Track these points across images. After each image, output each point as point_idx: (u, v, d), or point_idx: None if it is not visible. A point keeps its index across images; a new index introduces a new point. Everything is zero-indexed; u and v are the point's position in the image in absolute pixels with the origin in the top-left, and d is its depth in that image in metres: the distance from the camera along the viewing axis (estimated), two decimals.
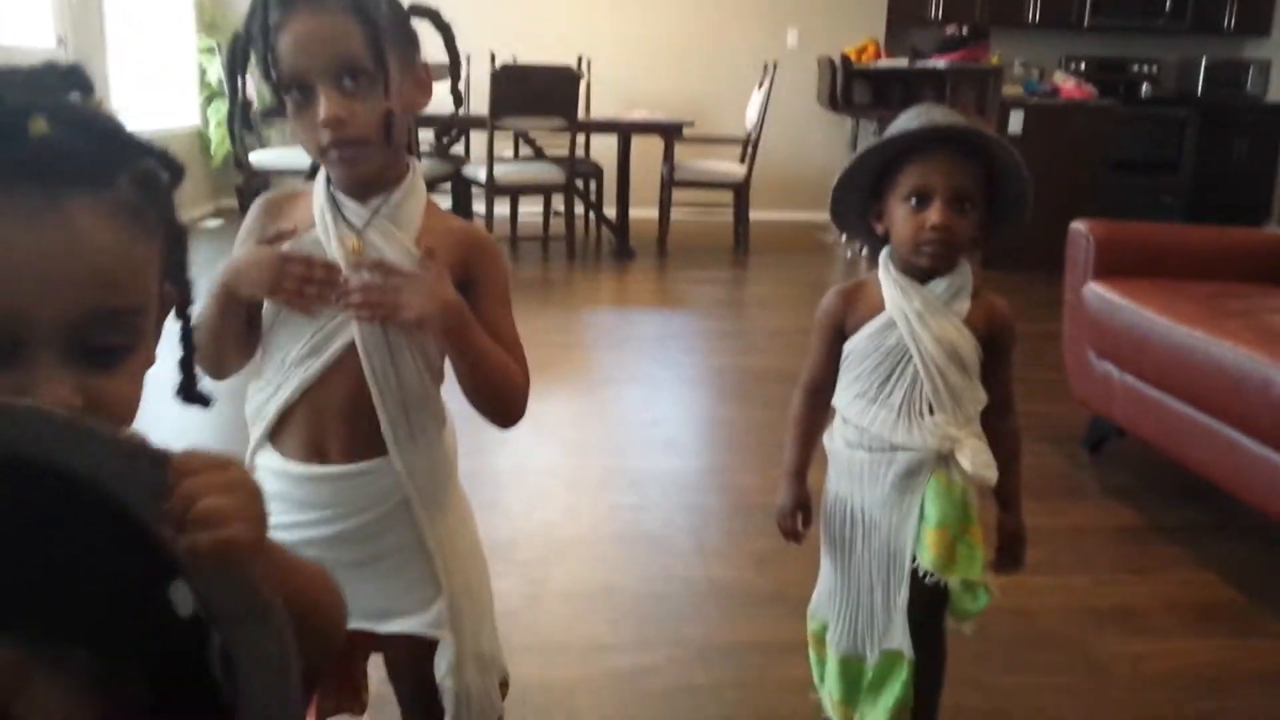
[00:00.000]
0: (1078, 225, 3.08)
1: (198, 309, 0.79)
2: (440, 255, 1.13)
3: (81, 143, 0.60)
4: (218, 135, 6.83)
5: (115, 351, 0.62)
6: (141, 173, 0.64)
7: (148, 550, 0.55)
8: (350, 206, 1.15)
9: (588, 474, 2.86)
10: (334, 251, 1.14)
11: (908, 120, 1.45)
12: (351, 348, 1.14)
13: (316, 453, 1.18)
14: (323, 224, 1.15)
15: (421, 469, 1.21)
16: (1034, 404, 3.30)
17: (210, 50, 6.63)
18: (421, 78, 1.18)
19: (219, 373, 1.16)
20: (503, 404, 1.20)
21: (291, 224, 1.15)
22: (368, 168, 1.13)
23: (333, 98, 1.07)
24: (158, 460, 0.55)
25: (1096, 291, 2.94)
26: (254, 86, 1.22)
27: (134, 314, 0.63)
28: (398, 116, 1.12)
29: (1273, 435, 2.22)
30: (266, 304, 1.15)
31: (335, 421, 1.17)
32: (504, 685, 1.32)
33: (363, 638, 1.21)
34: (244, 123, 1.20)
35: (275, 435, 1.19)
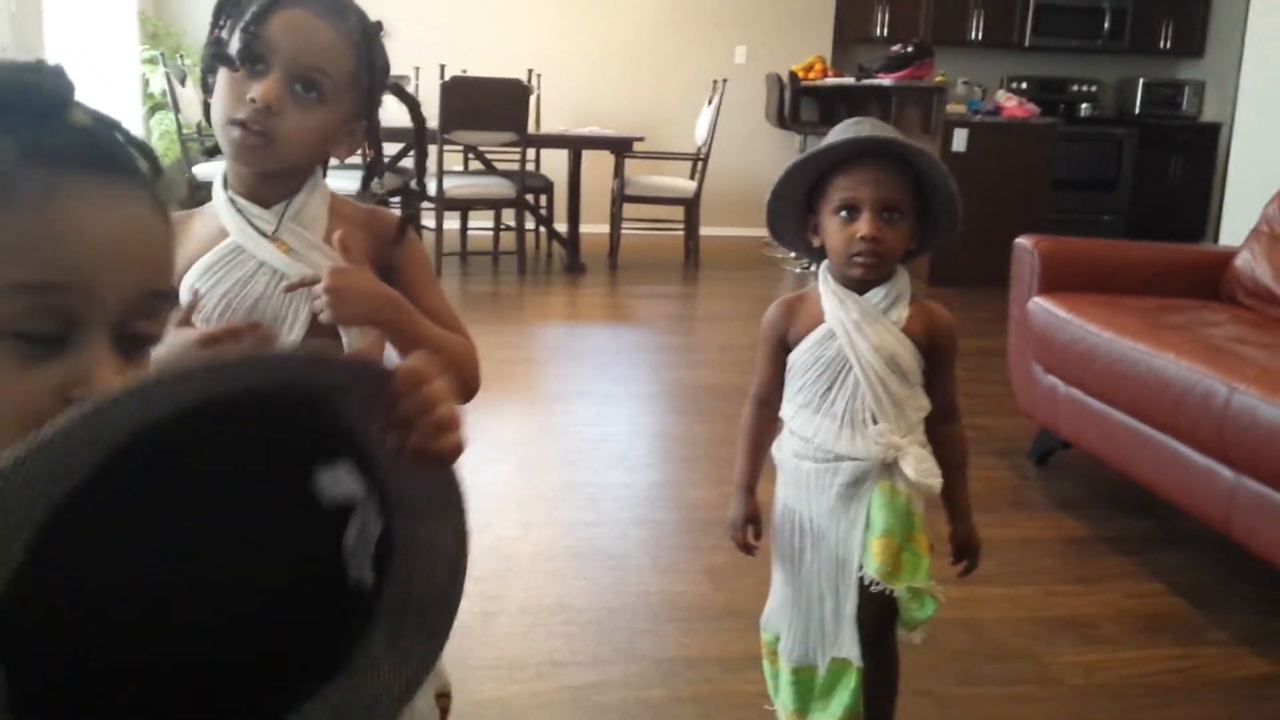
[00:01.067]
0: (1022, 241, 3.14)
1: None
2: (355, 247, 1.11)
3: (112, 136, 0.62)
4: (161, 147, 6.72)
5: (145, 341, 0.63)
6: (153, 170, 0.66)
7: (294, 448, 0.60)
8: (255, 212, 1.13)
9: (541, 490, 2.84)
10: (261, 254, 1.11)
11: (836, 134, 1.48)
12: None
13: None
14: (240, 233, 1.12)
15: None
16: (981, 418, 3.36)
17: (153, 61, 6.54)
18: (355, 139, 1.17)
19: None
20: (461, 381, 1.18)
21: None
22: (260, 164, 1.11)
23: (277, 85, 1.06)
24: (382, 374, 0.60)
25: (1041, 306, 2.99)
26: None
27: (170, 300, 0.65)
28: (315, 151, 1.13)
29: (1214, 447, 2.27)
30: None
31: None
32: (445, 697, 1.30)
33: None
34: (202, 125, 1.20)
35: None
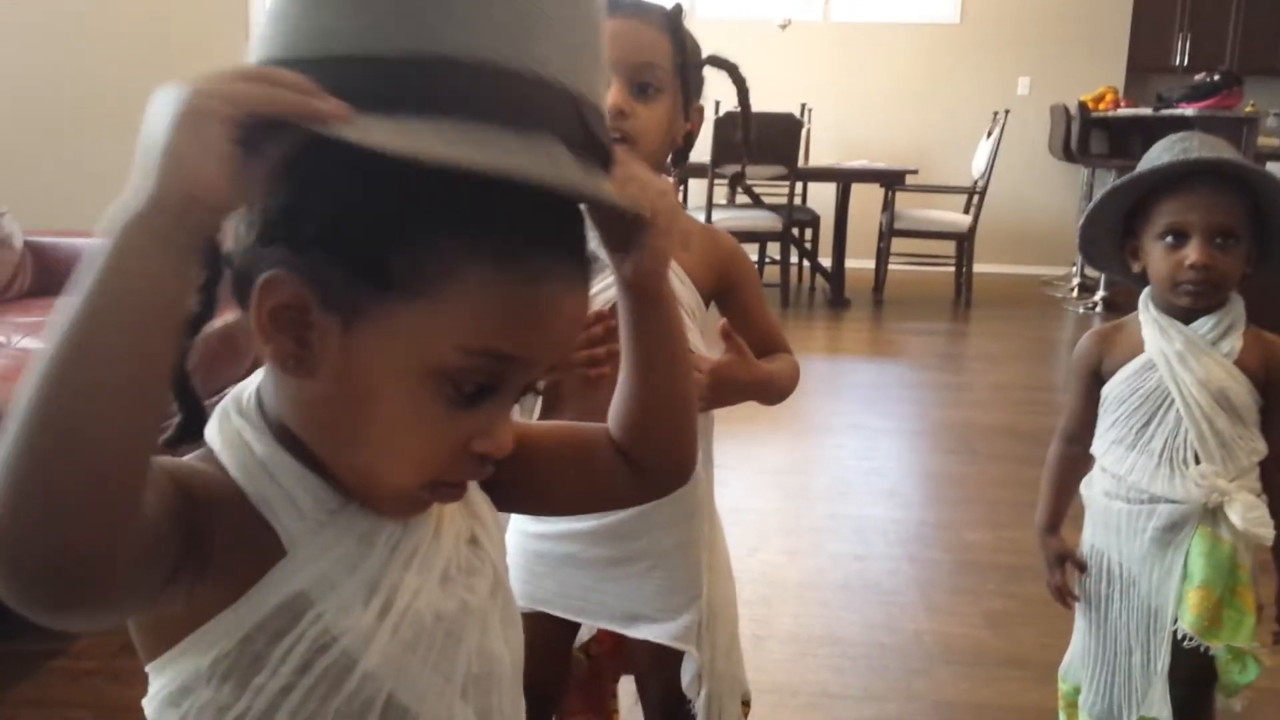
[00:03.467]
0: None
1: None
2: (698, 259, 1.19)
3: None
4: None
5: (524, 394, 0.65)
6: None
7: None
8: None
9: (808, 519, 2.81)
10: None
11: (1160, 152, 1.38)
12: None
13: None
14: None
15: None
16: None
17: None
18: (695, 117, 1.23)
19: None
20: (781, 392, 1.26)
21: None
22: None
23: (622, 90, 1.13)
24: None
25: None
26: None
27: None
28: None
29: None
30: None
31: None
32: (746, 705, 1.30)
33: (609, 659, 1.22)
34: None
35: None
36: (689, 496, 1.20)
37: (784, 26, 6.69)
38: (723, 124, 5.65)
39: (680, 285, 1.16)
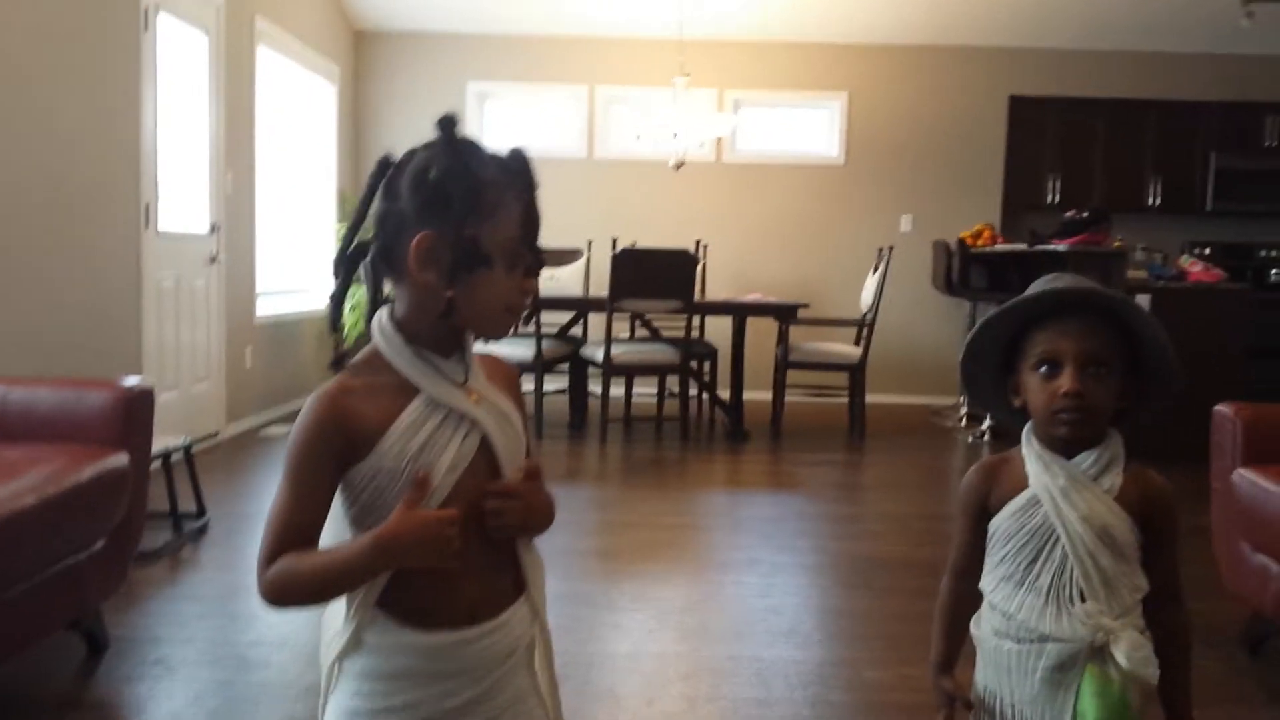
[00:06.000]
0: (1222, 409, 2.94)
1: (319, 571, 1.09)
2: (500, 387, 1.24)
3: None
4: (352, 319, 7.12)
5: None
6: None
7: None
8: (443, 364, 1.17)
9: (707, 663, 2.74)
10: (458, 404, 1.16)
11: (1032, 290, 1.42)
12: (467, 487, 1.15)
13: (465, 615, 1.15)
14: (432, 385, 1.15)
15: (544, 602, 1.25)
16: (1188, 601, 3.09)
17: None
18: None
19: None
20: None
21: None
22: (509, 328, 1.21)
23: (530, 284, 1.19)
24: None
25: (1247, 478, 2.77)
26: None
27: None
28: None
29: None
30: (359, 491, 1.14)
31: (476, 574, 1.16)
32: None
33: None
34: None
35: (394, 606, 1.15)
36: (548, 633, 1.25)
37: (678, 167, 6.89)
38: (620, 260, 5.76)
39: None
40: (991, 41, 7.67)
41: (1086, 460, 1.37)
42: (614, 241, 6.06)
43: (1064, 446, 1.38)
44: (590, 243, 6.79)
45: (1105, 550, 1.34)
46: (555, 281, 6.36)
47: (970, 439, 6.26)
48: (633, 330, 6.67)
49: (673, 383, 6.35)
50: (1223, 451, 2.91)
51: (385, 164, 1.16)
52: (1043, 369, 1.38)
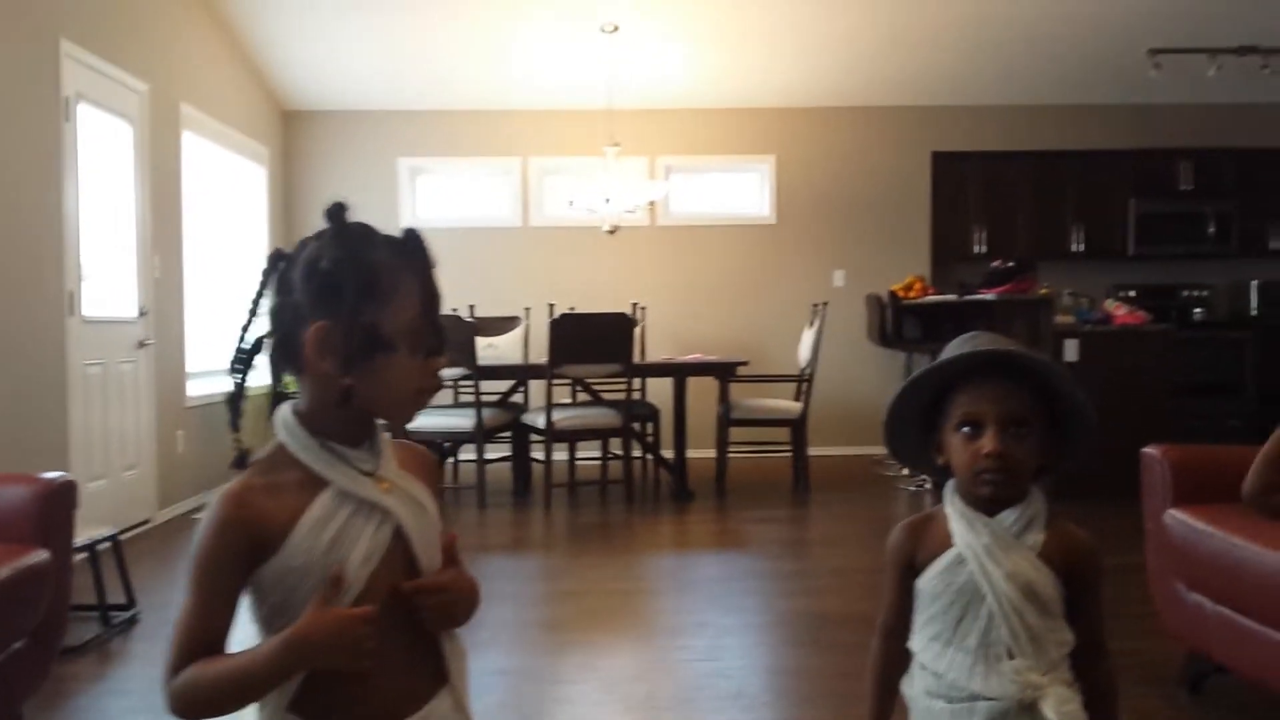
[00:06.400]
0: (1150, 451, 3.00)
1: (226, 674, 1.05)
2: (415, 474, 1.21)
3: None
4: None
5: None
6: None
7: None
8: (352, 454, 1.15)
9: None
10: (368, 494, 1.13)
11: (951, 349, 1.43)
12: (383, 581, 1.12)
13: (384, 713, 1.12)
14: (344, 477, 1.13)
15: (467, 692, 1.22)
16: (1124, 641, 3.12)
17: None
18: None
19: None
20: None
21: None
22: (413, 415, 1.20)
23: (436, 363, 1.17)
24: None
25: (1178, 519, 2.81)
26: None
27: None
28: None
29: None
30: (271, 588, 1.10)
31: (395, 669, 1.13)
32: None
33: None
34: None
35: (308, 708, 1.11)
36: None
37: (612, 232, 6.95)
38: (559, 325, 5.77)
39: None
40: (912, 101, 7.88)
41: (1009, 518, 1.38)
42: (551, 308, 6.07)
43: (987, 505, 1.39)
44: (528, 310, 6.80)
45: (1031, 607, 1.34)
46: (494, 349, 6.35)
47: (913, 488, 6.30)
48: (574, 395, 6.65)
49: (616, 445, 6.34)
50: (1153, 492, 2.96)
51: (277, 257, 1.15)
52: (965, 429, 1.39)
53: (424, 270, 1.15)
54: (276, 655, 1.04)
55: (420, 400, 1.17)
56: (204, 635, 1.06)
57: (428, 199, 7.99)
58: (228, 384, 1.20)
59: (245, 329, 1.18)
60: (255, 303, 1.17)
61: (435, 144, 7.88)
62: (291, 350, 1.12)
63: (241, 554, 1.07)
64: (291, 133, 7.83)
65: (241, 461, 1.15)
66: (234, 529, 1.08)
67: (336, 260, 1.09)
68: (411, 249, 1.15)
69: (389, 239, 1.14)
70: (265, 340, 1.16)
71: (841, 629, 3.46)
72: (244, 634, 1.11)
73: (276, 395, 1.17)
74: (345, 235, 1.11)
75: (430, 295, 1.16)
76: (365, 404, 1.13)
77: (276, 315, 1.14)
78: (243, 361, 1.18)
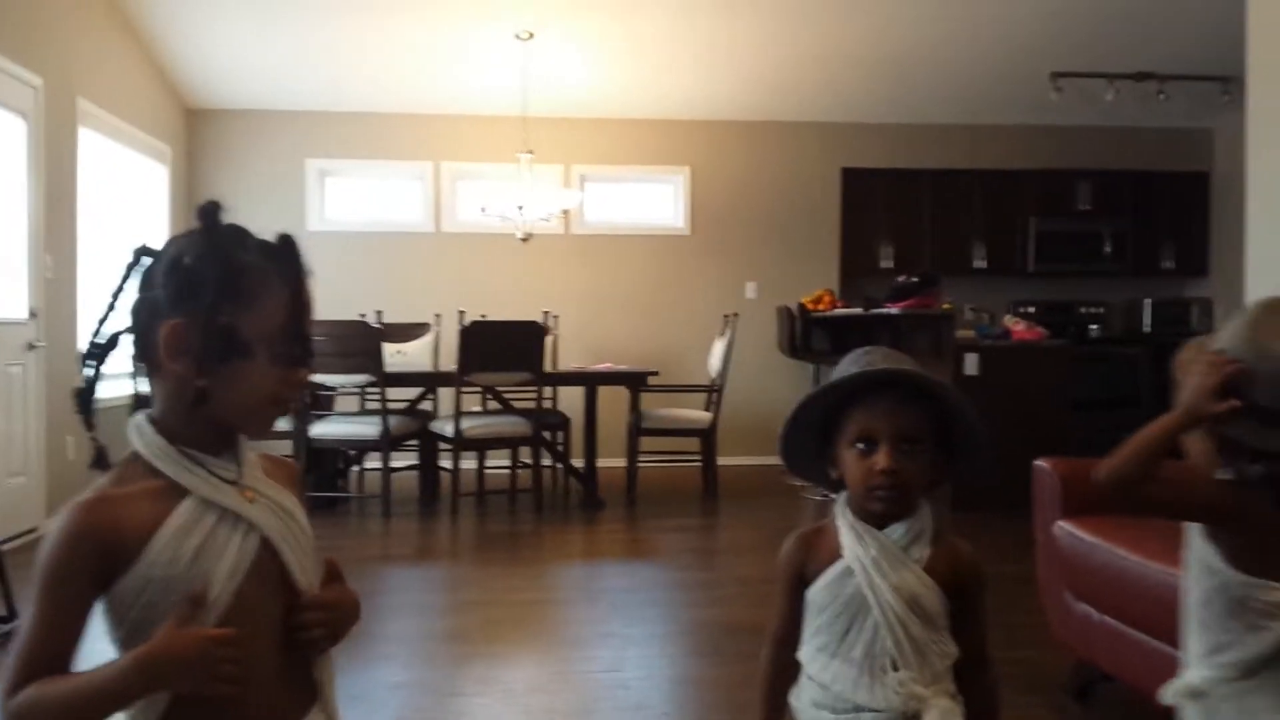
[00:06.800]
0: (1041, 464, 3.08)
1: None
2: (282, 485, 1.18)
3: None
4: None
5: None
6: None
7: None
8: (212, 461, 1.11)
9: None
10: (230, 503, 1.10)
11: (846, 365, 1.45)
12: (252, 596, 1.09)
13: None
14: (205, 485, 1.09)
15: (337, 709, 1.20)
16: (1013, 650, 3.20)
17: None
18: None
19: None
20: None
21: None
22: (269, 427, 1.18)
23: (297, 374, 1.14)
24: None
25: (1067, 530, 2.90)
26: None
27: None
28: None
29: None
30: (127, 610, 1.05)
31: (264, 688, 1.09)
32: None
33: None
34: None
35: None
36: None
37: (525, 239, 6.91)
38: (469, 333, 5.71)
39: None
40: (824, 117, 8.00)
41: (897, 531, 1.40)
42: (462, 314, 6.02)
43: (877, 518, 1.41)
44: (438, 316, 6.73)
45: (915, 619, 1.37)
46: (403, 356, 6.26)
47: (819, 498, 6.38)
48: (484, 403, 6.60)
49: (526, 454, 6.30)
50: (1044, 504, 3.04)
51: (142, 251, 1.12)
52: (859, 445, 1.41)
53: (295, 277, 1.12)
54: (126, 675, 0.98)
55: (274, 411, 1.13)
56: (49, 652, 1.00)
57: (337, 201, 7.85)
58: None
59: (102, 322, 1.13)
60: (115, 297, 1.12)
61: (345, 146, 7.75)
62: (146, 348, 1.09)
63: (93, 566, 1.02)
64: (195, 131, 7.63)
65: (100, 460, 1.10)
66: (85, 539, 1.02)
67: (200, 257, 1.06)
68: (284, 255, 1.11)
69: (262, 243, 1.11)
70: (122, 336, 1.12)
71: (745, 638, 3.48)
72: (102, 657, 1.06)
73: (137, 398, 1.13)
74: (214, 234, 1.08)
75: (299, 304, 1.12)
76: (219, 409, 1.09)
77: (135, 311, 1.10)
78: (95, 356, 1.13)
